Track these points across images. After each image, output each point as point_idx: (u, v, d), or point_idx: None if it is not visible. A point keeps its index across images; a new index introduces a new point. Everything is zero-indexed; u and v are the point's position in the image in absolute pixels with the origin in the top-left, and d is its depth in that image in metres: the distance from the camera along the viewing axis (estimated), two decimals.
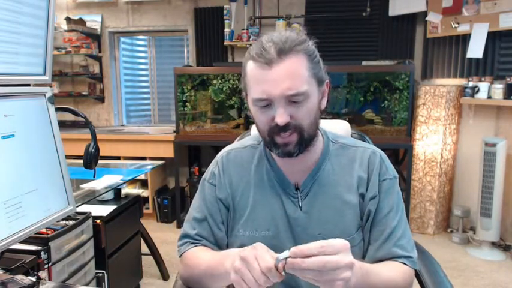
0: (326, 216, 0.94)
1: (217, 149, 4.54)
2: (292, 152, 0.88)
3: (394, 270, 0.90)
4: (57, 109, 1.07)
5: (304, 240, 0.92)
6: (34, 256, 1.37)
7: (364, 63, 3.73)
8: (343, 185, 0.95)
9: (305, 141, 0.88)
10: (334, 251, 0.69)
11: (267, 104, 0.85)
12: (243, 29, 3.88)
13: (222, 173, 1.01)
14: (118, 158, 3.80)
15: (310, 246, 0.69)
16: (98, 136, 1.40)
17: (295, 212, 0.94)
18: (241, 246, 0.96)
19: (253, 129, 1.27)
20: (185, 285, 0.99)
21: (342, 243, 0.70)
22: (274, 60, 0.83)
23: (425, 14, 3.53)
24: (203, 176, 1.06)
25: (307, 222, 0.94)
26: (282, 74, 0.82)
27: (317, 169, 0.96)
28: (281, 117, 0.83)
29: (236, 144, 1.08)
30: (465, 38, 3.32)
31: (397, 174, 0.98)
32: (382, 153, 1.00)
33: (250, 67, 0.87)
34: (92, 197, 1.94)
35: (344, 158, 0.98)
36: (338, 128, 1.22)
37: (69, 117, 4.16)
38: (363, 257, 0.96)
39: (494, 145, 3.00)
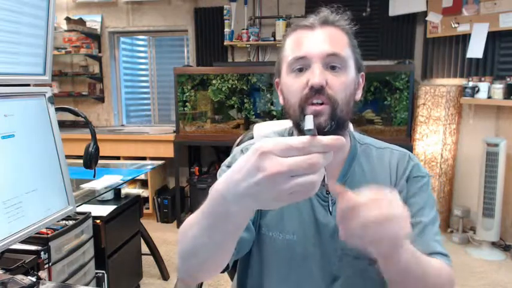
0: None
1: (217, 149, 4.46)
2: (324, 125, 0.80)
3: (438, 263, 0.80)
4: (57, 109, 1.07)
5: (331, 248, 0.87)
6: (34, 256, 1.37)
7: (364, 63, 3.72)
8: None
9: (337, 118, 0.81)
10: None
11: (303, 66, 0.83)
12: (243, 29, 3.88)
13: None
14: (118, 158, 3.80)
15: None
16: (98, 136, 1.40)
17: (325, 217, 0.87)
18: (261, 246, 0.91)
19: (255, 129, 1.25)
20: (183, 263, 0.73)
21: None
22: (316, 26, 0.84)
23: (425, 14, 3.53)
24: (224, 162, 0.94)
25: (337, 228, 0.87)
26: (323, 37, 0.83)
27: (346, 170, 0.89)
28: (317, 76, 0.79)
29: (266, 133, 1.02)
30: (465, 38, 3.32)
31: (429, 174, 0.93)
32: (410, 153, 0.96)
33: (291, 36, 0.87)
34: (92, 197, 1.93)
35: (372, 160, 0.92)
36: None
37: (69, 117, 4.15)
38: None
39: (495, 145, 3.00)
